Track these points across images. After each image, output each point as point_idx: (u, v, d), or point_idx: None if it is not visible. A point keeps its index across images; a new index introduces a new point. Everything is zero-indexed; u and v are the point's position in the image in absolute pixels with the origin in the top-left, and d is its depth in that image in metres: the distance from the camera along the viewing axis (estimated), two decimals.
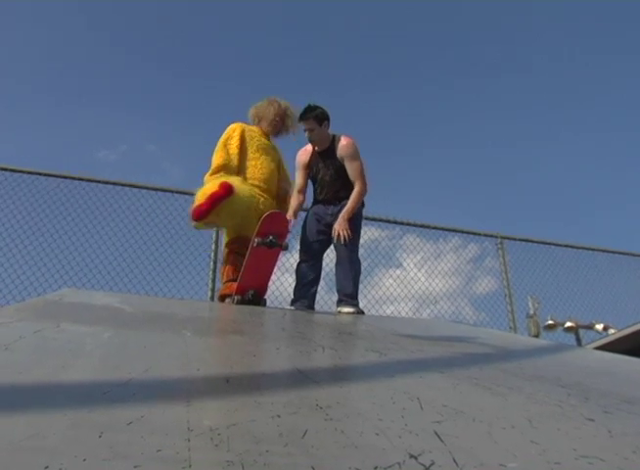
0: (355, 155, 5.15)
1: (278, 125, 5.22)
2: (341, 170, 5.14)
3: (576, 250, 8.74)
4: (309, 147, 5.31)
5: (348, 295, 4.94)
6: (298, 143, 5.57)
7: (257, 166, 4.95)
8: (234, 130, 5.07)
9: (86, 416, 1.07)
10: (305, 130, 5.17)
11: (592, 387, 2.13)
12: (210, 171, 4.80)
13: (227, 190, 4.37)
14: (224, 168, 4.81)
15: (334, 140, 5.20)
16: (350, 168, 5.10)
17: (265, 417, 1.16)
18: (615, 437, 1.32)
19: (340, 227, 4.90)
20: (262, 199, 4.83)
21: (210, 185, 4.51)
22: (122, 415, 1.08)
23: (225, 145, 4.98)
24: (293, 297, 5.11)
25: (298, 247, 5.31)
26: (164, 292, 6.35)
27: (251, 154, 5.01)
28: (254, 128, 5.19)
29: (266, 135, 5.21)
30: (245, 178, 4.90)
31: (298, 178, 5.34)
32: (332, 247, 5.17)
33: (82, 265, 6.42)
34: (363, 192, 5.11)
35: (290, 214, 5.08)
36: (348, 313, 4.74)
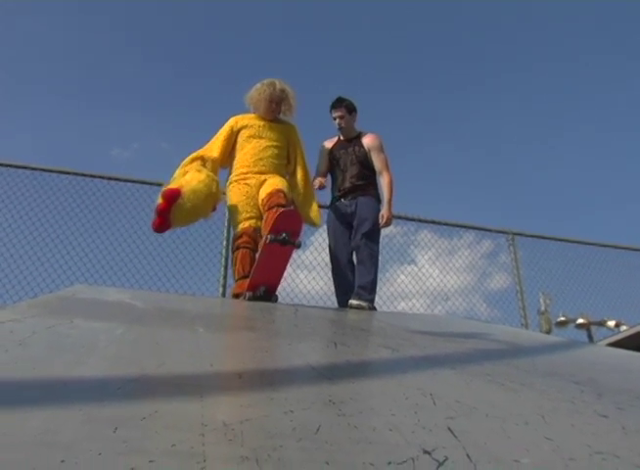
0: (382, 147, 5.50)
1: (275, 110, 5.09)
2: (362, 158, 5.41)
3: (588, 246, 8.69)
4: (334, 138, 5.68)
5: (367, 289, 5.04)
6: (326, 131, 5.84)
7: (245, 153, 4.94)
8: (226, 124, 5.14)
9: (101, 411, 1.08)
10: (335, 118, 5.54)
11: (605, 383, 2.12)
12: (188, 159, 4.83)
13: (171, 198, 4.35)
14: (200, 159, 4.84)
15: (360, 133, 5.58)
16: (377, 159, 5.41)
17: (279, 413, 1.16)
18: (629, 433, 1.32)
19: (387, 214, 5.22)
20: (254, 180, 4.82)
21: (162, 190, 4.48)
22: (137, 410, 1.09)
23: (213, 139, 5.07)
24: (338, 305, 5.24)
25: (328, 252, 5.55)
26: (176, 288, 6.36)
27: (241, 142, 5.02)
28: (251, 116, 5.15)
29: (265, 118, 5.12)
30: (233, 171, 4.98)
31: (321, 164, 5.64)
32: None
33: (94, 262, 6.45)
34: (392, 181, 5.37)
35: (318, 181, 5.27)
36: (358, 307, 4.80)
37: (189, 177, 4.52)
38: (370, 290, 5.04)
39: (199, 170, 4.61)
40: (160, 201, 4.39)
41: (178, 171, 4.70)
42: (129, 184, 6.91)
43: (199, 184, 4.45)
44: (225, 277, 6.42)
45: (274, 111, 5.08)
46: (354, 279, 5.19)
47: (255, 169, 4.88)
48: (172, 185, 4.45)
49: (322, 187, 5.34)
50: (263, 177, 4.84)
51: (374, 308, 4.99)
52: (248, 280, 4.30)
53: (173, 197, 4.34)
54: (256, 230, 4.57)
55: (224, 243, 6.60)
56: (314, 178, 5.41)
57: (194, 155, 4.86)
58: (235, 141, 5.06)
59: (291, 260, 4.60)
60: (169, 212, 4.36)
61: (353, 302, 4.91)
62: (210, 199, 4.57)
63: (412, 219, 7.95)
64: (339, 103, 5.55)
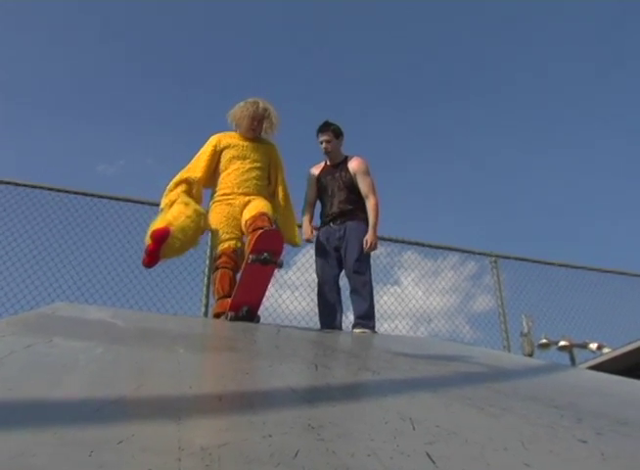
0: (368, 171, 5.49)
1: (257, 129, 5.10)
2: (348, 183, 5.41)
3: (570, 269, 8.75)
4: (321, 163, 5.67)
5: (365, 317, 5.13)
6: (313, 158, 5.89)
7: (230, 175, 4.94)
8: (208, 143, 5.12)
9: (76, 434, 1.06)
10: (322, 142, 5.53)
11: (585, 408, 2.13)
12: (172, 184, 4.83)
13: (160, 239, 4.32)
14: (185, 182, 4.83)
15: (346, 158, 5.56)
16: (363, 183, 5.40)
17: (257, 437, 1.15)
18: (607, 459, 1.32)
19: (372, 239, 5.21)
20: (238, 201, 4.82)
21: (151, 230, 4.42)
22: (113, 433, 1.07)
23: (195, 159, 5.05)
24: (320, 327, 5.22)
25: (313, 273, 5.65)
26: (158, 307, 6.33)
27: (225, 163, 5.01)
28: (234, 134, 5.17)
29: (247, 138, 5.13)
30: (217, 191, 4.98)
31: (310, 193, 5.65)
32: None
33: (76, 279, 6.39)
34: (377, 205, 5.36)
35: (307, 232, 5.50)
36: (362, 333, 4.93)
37: (176, 212, 4.48)
38: (369, 317, 5.10)
39: (186, 203, 4.57)
40: (148, 242, 4.38)
41: (164, 201, 4.69)
42: (113, 202, 6.89)
43: (186, 220, 4.43)
44: (207, 297, 6.39)
45: (255, 129, 5.09)
46: (339, 301, 5.22)
47: (239, 191, 4.88)
48: (160, 223, 4.41)
49: (311, 240, 5.52)
50: (247, 198, 4.84)
51: (375, 333, 5.08)
52: (228, 300, 4.29)
53: (162, 238, 4.33)
54: (236, 251, 4.57)
55: (207, 262, 6.58)
56: (303, 211, 5.56)
57: (177, 178, 4.85)
58: (218, 160, 5.06)
59: (273, 280, 4.60)
60: (159, 252, 4.38)
61: (356, 330, 4.96)
62: (199, 232, 4.61)
63: (396, 241, 7.97)
64: (325, 127, 5.55)
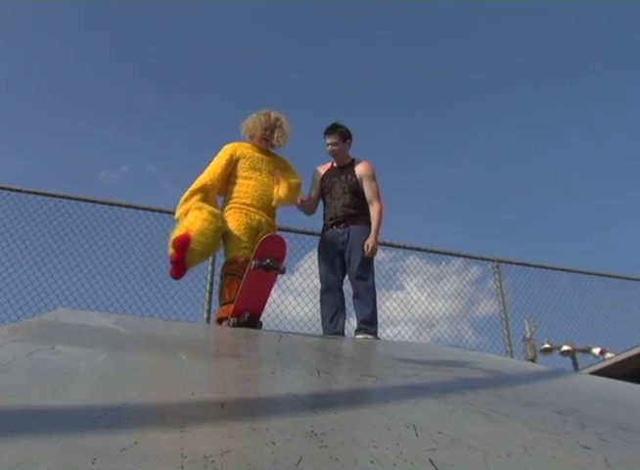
0: (374, 176, 5.44)
1: (269, 139, 5.19)
2: (354, 187, 5.37)
3: (573, 274, 8.74)
4: (328, 163, 5.63)
5: (368, 322, 5.09)
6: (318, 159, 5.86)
7: (250, 186, 4.98)
8: (224, 151, 5.16)
9: (79, 442, 1.06)
10: (329, 144, 5.48)
11: (588, 413, 2.12)
12: (188, 193, 4.83)
13: (182, 246, 4.36)
14: (201, 191, 4.85)
15: (353, 161, 5.52)
16: (369, 188, 5.36)
17: (260, 444, 1.15)
18: (611, 465, 1.31)
19: (373, 243, 5.16)
20: (258, 216, 4.88)
21: (172, 239, 4.47)
22: (116, 441, 1.07)
23: (212, 166, 5.07)
24: (323, 333, 5.20)
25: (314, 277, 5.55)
26: (160, 313, 6.32)
27: (242, 173, 5.05)
28: (248, 145, 5.23)
29: (261, 149, 5.21)
30: (233, 198, 4.99)
31: (313, 190, 5.63)
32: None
33: (78, 286, 6.40)
34: (381, 211, 5.33)
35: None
36: (365, 339, 4.90)
37: (192, 218, 4.52)
38: (372, 323, 5.07)
39: (199, 208, 4.60)
40: (172, 251, 4.43)
41: (180, 211, 4.71)
42: (115, 208, 6.90)
43: (203, 223, 4.47)
44: (210, 302, 6.39)
45: (268, 138, 5.18)
46: (342, 307, 5.20)
47: (259, 205, 4.96)
48: (179, 232, 4.46)
49: (302, 202, 5.44)
50: (264, 219, 4.92)
51: (378, 339, 5.05)
52: (232, 305, 4.29)
53: (184, 245, 4.38)
54: (247, 261, 4.57)
55: (209, 268, 6.58)
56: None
57: (193, 187, 4.87)
58: (233, 168, 5.10)
59: (275, 286, 4.60)
60: (184, 260, 4.41)
61: (359, 336, 4.95)
62: (219, 233, 4.65)
63: (398, 246, 7.97)
64: (333, 129, 5.50)
